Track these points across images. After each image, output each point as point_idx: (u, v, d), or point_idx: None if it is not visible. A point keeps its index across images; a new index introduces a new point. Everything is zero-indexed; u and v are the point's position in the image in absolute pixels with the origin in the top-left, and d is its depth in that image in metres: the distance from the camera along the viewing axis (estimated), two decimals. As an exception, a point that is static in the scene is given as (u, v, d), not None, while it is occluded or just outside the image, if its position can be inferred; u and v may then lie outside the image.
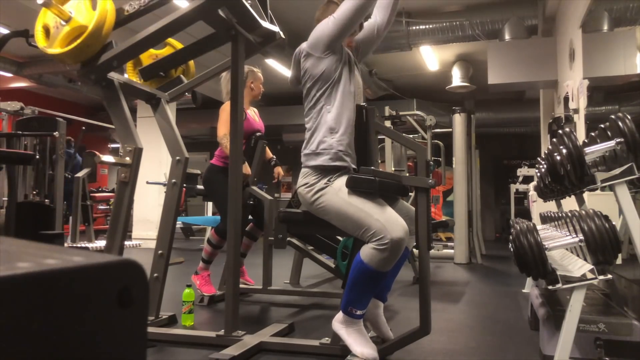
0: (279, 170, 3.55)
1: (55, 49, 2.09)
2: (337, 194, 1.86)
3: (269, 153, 3.52)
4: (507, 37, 5.56)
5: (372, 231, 1.75)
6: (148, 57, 2.70)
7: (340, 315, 1.87)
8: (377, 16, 2.15)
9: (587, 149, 1.90)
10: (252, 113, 3.35)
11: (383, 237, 1.72)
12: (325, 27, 1.94)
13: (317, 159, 1.91)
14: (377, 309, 2.08)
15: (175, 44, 2.70)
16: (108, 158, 2.36)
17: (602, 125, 1.96)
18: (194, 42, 2.50)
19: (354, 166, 1.94)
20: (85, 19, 2.08)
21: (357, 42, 2.16)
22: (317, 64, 1.96)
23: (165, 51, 2.73)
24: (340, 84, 1.94)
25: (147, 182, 6.84)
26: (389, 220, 1.75)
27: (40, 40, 2.13)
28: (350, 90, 1.96)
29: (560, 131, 2.00)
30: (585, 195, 2.40)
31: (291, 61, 2.12)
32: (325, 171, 1.91)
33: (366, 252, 1.76)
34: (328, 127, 1.91)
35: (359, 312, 1.83)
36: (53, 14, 2.08)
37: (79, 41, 2.06)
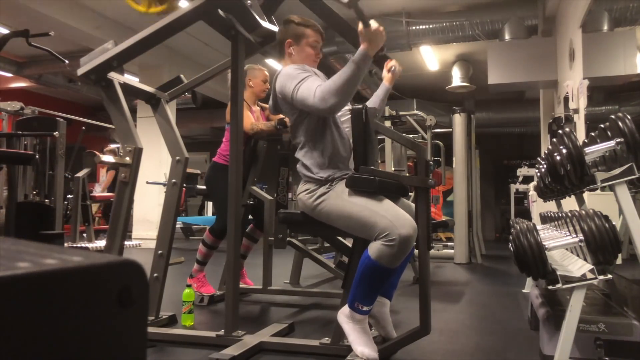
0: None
1: None
2: (340, 197, 1.86)
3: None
4: (507, 37, 5.56)
5: (379, 228, 1.74)
6: None
7: (346, 308, 1.86)
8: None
9: (587, 149, 1.90)
10: (259, 112, 3.26)
11: (390, 234, 1.71)
12: (287, 87, 1.92)
13: (312, 182, 1.95)
14: (384, 307, 2.07)
15: None
16: (108, 158, 2.36)
17: (602, 125, 1.95)
18: None
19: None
20: None
21: None
22: (289, 107, 1.98)
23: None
24: (319, 120, 1.96)
25: (147, 182, 6.84)
26: (396, 217, 1.74)
27: None
28: (331, 119, 1.97)
29: (560, 131, 2.00)
30: (585, 195, 2.40)
31: None
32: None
33: (374, 248, 1.75)
34: (316, 162, 1.95)
35: (365, 308, 1.82)
36: None
37: None
